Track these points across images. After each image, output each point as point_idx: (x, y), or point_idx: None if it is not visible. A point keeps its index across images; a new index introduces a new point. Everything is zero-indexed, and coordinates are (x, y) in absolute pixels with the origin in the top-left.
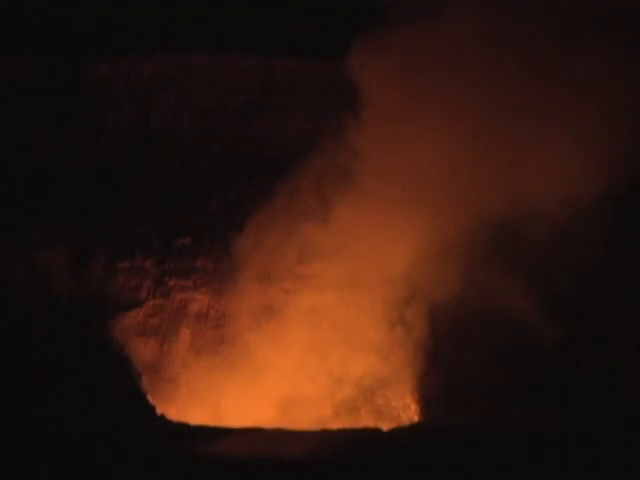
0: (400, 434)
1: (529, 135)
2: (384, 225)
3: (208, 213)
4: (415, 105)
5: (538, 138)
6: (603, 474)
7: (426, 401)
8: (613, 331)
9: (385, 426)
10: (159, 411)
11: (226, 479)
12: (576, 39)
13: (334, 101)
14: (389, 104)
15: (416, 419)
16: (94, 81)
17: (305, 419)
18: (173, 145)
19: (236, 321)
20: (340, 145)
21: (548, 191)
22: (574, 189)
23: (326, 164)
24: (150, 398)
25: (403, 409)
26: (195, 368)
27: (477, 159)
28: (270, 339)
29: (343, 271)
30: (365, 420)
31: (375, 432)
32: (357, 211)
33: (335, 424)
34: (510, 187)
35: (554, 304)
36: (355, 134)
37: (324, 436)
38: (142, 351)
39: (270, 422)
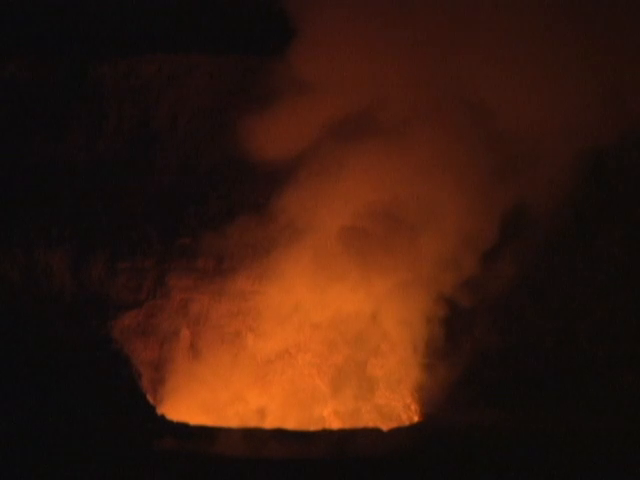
0: (400, 434)
1: None
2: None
3: (208, 213)
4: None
5: None
6: (603, 474)
7: (426, 401)
8: (613, 331)
9: (385, 426)
10: (159, 411)
11: (226, 479)
12: None
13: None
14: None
15: (416, 419)
16: (94, 81)
17: None
18: (173, 145)
19: None
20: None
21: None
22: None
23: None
24: (150, 398)
25: (403, 409)
26: (195, 368)
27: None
28: None
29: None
30: (365, 420)
31: (375, 432)
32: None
33: None
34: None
35: (553, 303)
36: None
37: (324, 436)
38: (142, 351)
39: None
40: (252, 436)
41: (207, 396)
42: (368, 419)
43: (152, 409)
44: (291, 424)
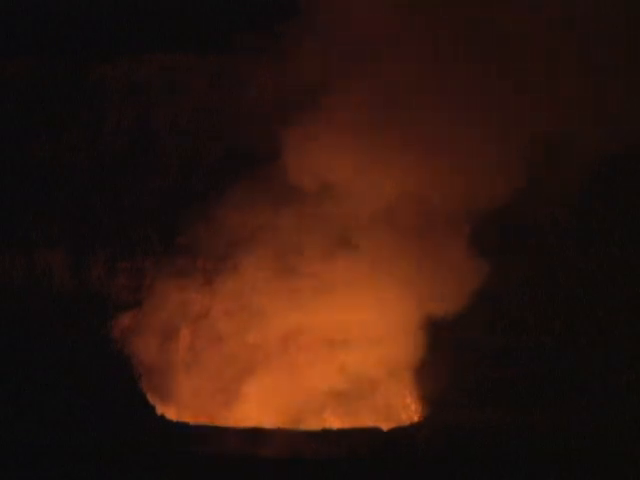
0: (400, 434)
1: None
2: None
3: (208, 213)
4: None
5: None
6: (603, 474)
7: (426, 401)
8: (613, 331)
9: (385, 426)
10: (159, 411)
11: (226, 479)
12: None
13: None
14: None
15: (416, 419)
16: (94, 81)
17: None
18: (173, 145)
19: None
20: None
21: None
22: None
23: None
24: (150, 398)
25: (403, 409)
26: (195, 368)
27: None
28: None
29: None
30: (365, 420)
31: (375, 432)
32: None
33: None
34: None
35: (553, 303)
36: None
37: (324, 436)
38: (142, 351)
39: None
40: (251, 436)
41: (207, 396)
42: (368, 419)
43: (152, 409)
44: (290, 424)
